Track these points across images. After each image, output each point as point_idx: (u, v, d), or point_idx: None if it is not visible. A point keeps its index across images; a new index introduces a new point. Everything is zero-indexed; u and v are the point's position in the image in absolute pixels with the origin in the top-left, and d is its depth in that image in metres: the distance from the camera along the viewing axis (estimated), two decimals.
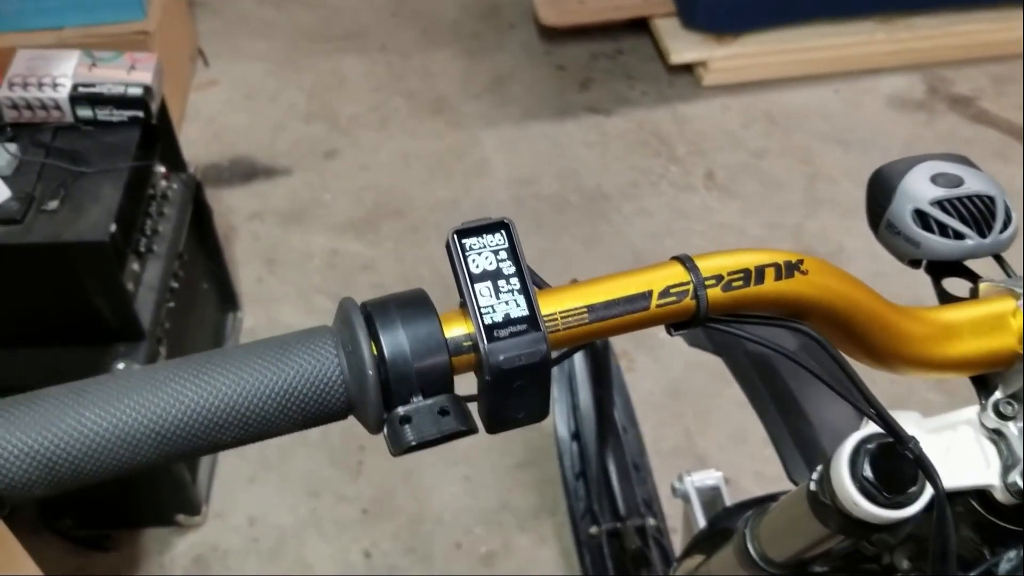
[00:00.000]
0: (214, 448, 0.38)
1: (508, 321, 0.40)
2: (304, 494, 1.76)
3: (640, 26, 2.79)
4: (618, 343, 1.94)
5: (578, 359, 1.69)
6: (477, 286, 0.40)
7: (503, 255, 0.41)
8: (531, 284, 0.41)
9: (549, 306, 0.42)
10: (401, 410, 0.39)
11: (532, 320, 0.40)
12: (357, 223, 2.26)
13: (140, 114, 1.48)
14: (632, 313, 0.42)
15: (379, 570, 1.67)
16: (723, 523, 0.88)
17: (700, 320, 0.43)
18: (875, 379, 0.55)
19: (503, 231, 0.41)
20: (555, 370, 1.66)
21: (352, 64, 2.72)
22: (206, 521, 1.71)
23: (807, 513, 0.59)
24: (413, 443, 0.38)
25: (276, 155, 2.44)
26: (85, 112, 1.47)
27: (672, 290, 0.43)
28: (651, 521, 1.55)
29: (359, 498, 1.76)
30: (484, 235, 0.41)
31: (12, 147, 1.42)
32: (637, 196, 2.35)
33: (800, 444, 0.79)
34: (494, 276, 0.40)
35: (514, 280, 0.40)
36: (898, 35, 2.66)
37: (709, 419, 1.89)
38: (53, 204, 1.36)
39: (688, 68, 2.69)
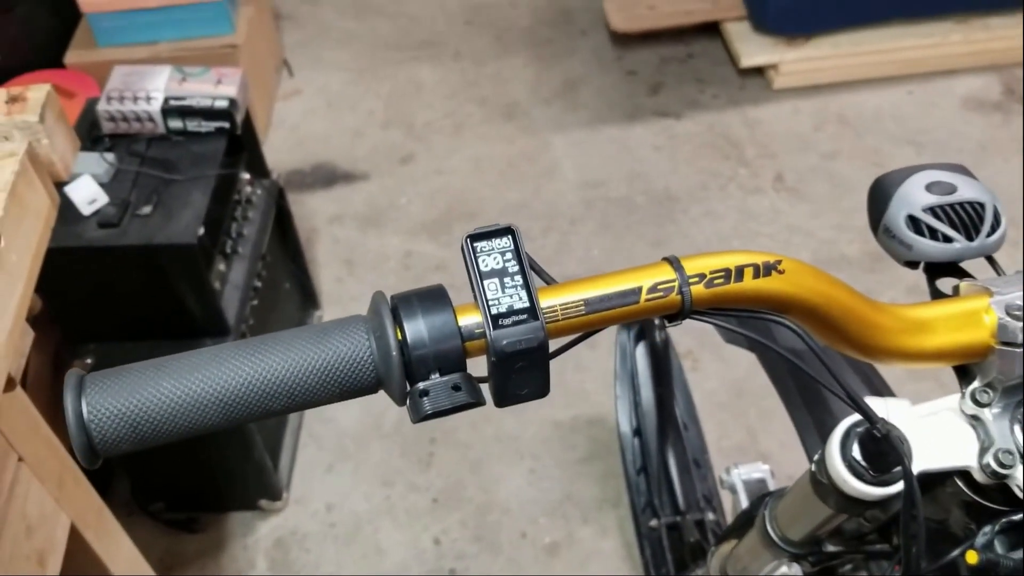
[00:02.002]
0: (267, 414, 0.46)
1: (511, 312, 0.47)
2: (378, 483, 1.85)
3: (711, 30, 2.83)
4: (682, 343, 1.98)
5: (640, 358, 1.74)
6: (486, 282, 0.47)
7: (508, 256, 0.48)
8: (531, 281, 0.48)
9: (551, 299, 0.49)
10: (421, 385, 0.47)
11: (532, 311, 0.47)
12: (431, 225, 2.35)
13: (226, 125, 1.59)
14: (624, 306, 0.49)
15: (448, 556, 1.75)
16: (756, 510, 0.93)
17: (685, 313, 0.50)
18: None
19: (509, 236, 0.49)
20: (618, 367, 1.72)
21: (428, 72, 2.82)
22: (287, 506, 1.82)
23: (811, 493, 0.65)
24: (429, 412, 0.46)
25: (355, 161, 2.55)
26: (176, 123, 1.59)
27: (660, 286, 0.49)
28: (710, 516, 1.59)
29: (430, 488, 1.84)
30: (493, 239, 0.48)
31: (110, 156, 1.54)
32: (705, 198, 2.39)
33: (822, 435, 0.84)
34: (500, 274, 0.48)
35: (518, 277, 0.48)
36: (974, 36, 2.64)
37: (772, 418, 1.92)
38: (147, 209, 1.48)
39: (759, 71, 2.72)
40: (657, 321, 1.69)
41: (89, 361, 1.54)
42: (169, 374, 0.45)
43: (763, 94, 2.67)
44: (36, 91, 0.91)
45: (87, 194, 1.47)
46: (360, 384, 0.47)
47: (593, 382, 1.93)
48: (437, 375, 0.47)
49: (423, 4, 3.08)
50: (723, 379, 1.99)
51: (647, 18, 2.76)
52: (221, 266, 1.60)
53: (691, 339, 2.04)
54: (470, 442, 1.90)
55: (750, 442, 1.89)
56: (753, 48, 2.66)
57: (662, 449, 1.69)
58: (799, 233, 2.28)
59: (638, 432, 1.73)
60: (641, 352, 1.73)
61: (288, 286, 1.96)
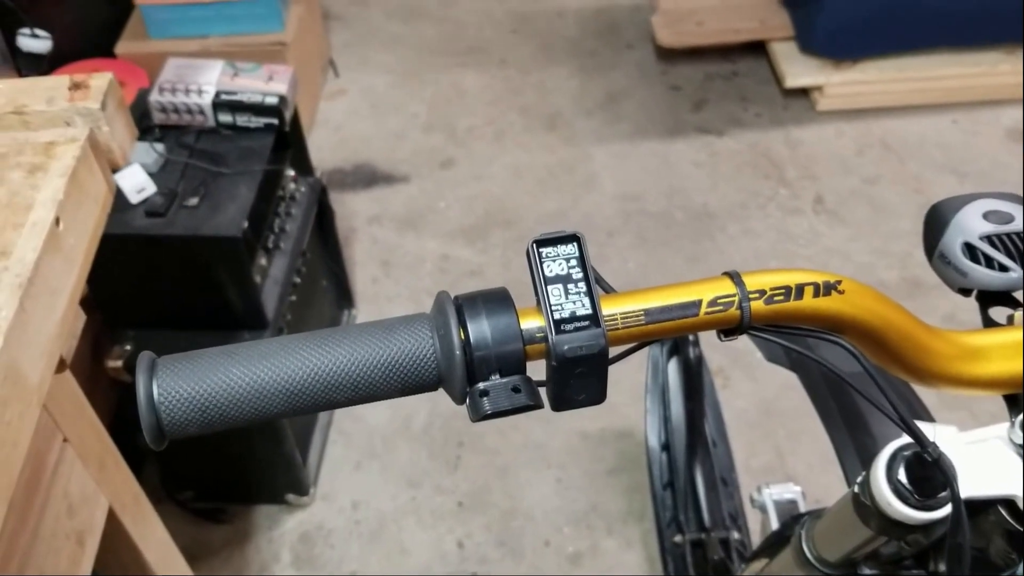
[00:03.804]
0: (330, 405, 0.47)
1: (574, 318, 0.47)
2: (405, 483, 1.86)
3: (757, 49, 2.83)
4: (714, 361, 1.98)
5: (672, 373, 1.74)
6: (550, 287, 0.48)
7: (573, 263, 0.49)
8: (595, 288, 0.48)
9: (612, 308, 0.49)
10: (481, 385, 0.47)
11: (594, 318, 0.47)
12: (468, 230, 2.37)
13: (275, 121, 1.61)
14: (683, 318, 0.49)
15: (471, 560, 1.75)
16: (790, 530, 0.93)
17: (744, 328, 0.50)
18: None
19: (575, 243, 0.49)
20: (649, 381, 1.72)
21: (472, 78, 2.84)
22: (313, 502, 1.83)
23: (852, 514, 0.65)
24: (489, 412, 0.46)
25: (396, 163, 2.57)
26: (226, 118, 1.61)
27: (720, 300, 0.50)
28: (735, 535, 1.58)
29: (455, 491, 1.85)
30: (558, 245, 0.49)
31: (160, 147, 1.56)
32: (744, 217, 2.39)
33: (862, 458, 0.84)
34: (565, 280, 0.48)
35: (581, 284, 0.48)
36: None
37: (801, 440, 1.91)
38: (193, 200, 1.50)
39: (803, 92, 2.71)
40: (692, 338, 1.69)
41: (128, 348, 1.56)
42: (238, 361, 0.46)
43: (806, 115, 2.67)
44: (98, 79, 0.93)
45: (136, 183, 1.49)
46: (422, 381, 0.48)
47: (623, 395, 1.93)
48: (497, 376, 0.47)
49: (470, 10, 3.10)
50: (753, 399, 1.99)
51: (694, 34, 2.76)
52: (263, 260, 1.61)
53: (723, 357, 2.04)
54: (498, 448, 1.91)
55: (778, 463, 1.89)
56: (799, 69, 2.66)
57: (690, 465, 1.69)
58: (837, 256, 2.27)
59: (666, 447, 1.73)
60: (673, 367, 1.73)
61: (325, 283, 1.98)
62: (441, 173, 2.54)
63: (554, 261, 0.49)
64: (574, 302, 0.48)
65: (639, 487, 1.82)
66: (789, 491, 1.23)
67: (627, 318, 0.49)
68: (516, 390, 0.47)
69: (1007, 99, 2.64)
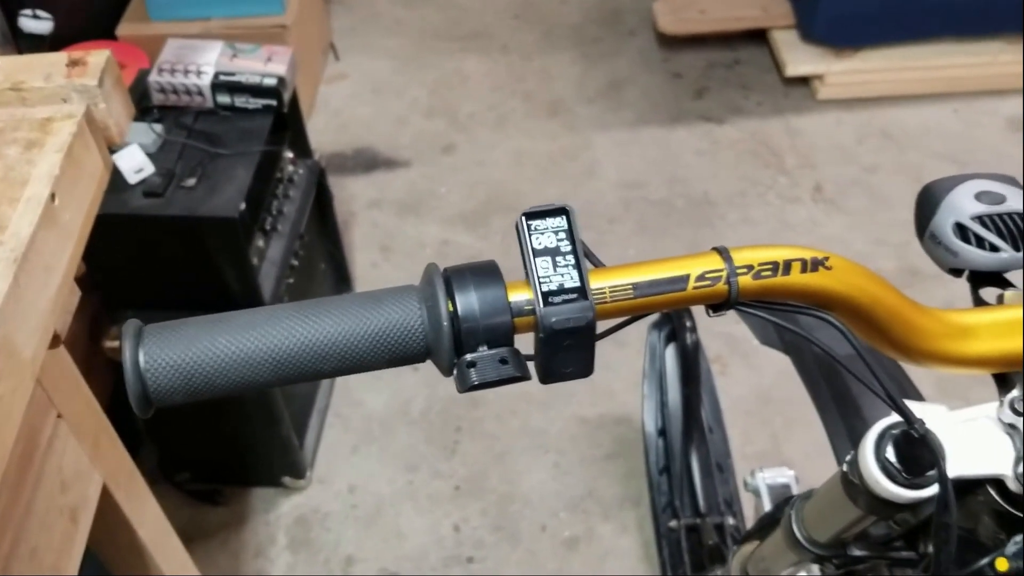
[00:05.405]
0: (316, 376, 0.47)
1: (562, 290, 0.47)
2: (402, 468, 1.87)
3: (758, 37, 2.82)
4: (712, 348, 1.98)
5: (669, 359, 1.74)
6: (538, 260, 0.48)
7: (562, 236, 0.49)
8: (583, 261, 0.48)
9: (600, 281, 0.49)
10: (469, 357, 0.47)
11: (582, 291, 0.48)
12: (469, 216, 2.37)
13: (273, 103, 1.61)
14: (671, 292, 0.49)
15: (467, 544, 1.76)
16: (781, 512, 0.93)
17: (732, 303, 0.50)
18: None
19: (564, 216, 0.49)
20: (647, 367, 1.72)
21: (474, 64, 2.84)
22: (310, 485, 1.84)
23: (841, 494, 0.65)
24: (476, 383, 0.47)
25: (397, 147, 2.57)
26: (224, 98, 1.61)
27: (708, 275, 0.50)
28: (730, 520, 1.59)
29: (453, 475, 1.85)
30: (547, 218, 0.49)
31: (158, 127, 1.56)
32: (743, 205, 2.39)
33: (853, 440, 0.84)
34: (553, 253, 0.48)
35: (570, 257, 0.48)
36: None
37: (797, 427, 1.91)
38: (191, 181, 1.50)
39: (804, 81, 2.71)
40: (689, 324, 1.70)
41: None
42: (225, 330, 0.47)
43: (807, 104, 2.66)
44: (96, 56, 0.93)
45: (134, 163, 1.49)
46: (409, 352, 0.48)
47: (620, 381, 1.93)
48: (485, 348, 0.47)
49: None
50: (750, 386, 1.99)
51: (696, 22, 2.76)
52: (260, 242, 1.61)
53: (721, 343, 2.04)
54: (496, 433, 1.91)
55: (774, 450, 1.89)
56: (800, 57, 2.65)
57: (686, 451, 1.69)
58: (835, 245, 2.27)
59: (663, 432, 1.74)
60: (670, 353, 1.73)
61: (323, 267, 1.98)
62: (442, 158, 2.54)
63: (543, 234, 0.49)
64: (562, 275, 0.48)
65: (635, 473, 1.83)
66: (783, 475, 1.24)
67: (615, 291, 0.49)
68: (503, 362, 0.47)
69: (1008, 89, 2.63)
